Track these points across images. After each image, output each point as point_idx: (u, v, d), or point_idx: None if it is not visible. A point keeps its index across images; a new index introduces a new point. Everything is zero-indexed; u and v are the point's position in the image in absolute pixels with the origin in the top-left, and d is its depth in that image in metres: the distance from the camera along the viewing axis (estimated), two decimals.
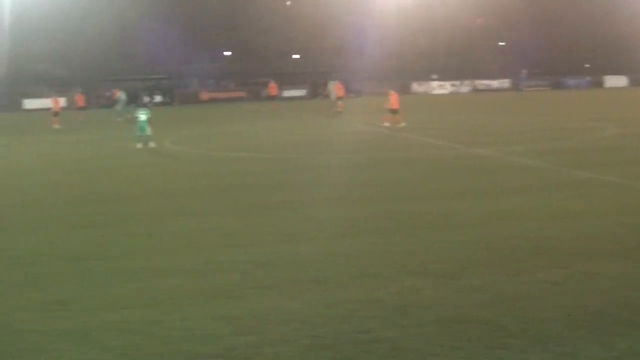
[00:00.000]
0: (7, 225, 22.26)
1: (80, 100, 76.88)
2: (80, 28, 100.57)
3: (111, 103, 75.51)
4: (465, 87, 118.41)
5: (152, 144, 42.67)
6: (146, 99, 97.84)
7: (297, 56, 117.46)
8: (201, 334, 12.48)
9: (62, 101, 75.90)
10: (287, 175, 30.86)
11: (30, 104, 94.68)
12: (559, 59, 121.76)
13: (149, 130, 43.12)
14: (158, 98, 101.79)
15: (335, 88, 75.65)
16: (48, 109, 67.33)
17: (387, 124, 51.25)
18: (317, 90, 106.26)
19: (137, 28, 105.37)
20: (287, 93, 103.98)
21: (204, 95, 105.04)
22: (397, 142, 42.04)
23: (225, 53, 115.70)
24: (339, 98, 71.83)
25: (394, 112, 52.31)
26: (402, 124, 51.13)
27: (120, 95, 76.37)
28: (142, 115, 43.26)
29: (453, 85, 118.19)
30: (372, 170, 31.53)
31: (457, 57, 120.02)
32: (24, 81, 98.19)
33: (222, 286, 15.09)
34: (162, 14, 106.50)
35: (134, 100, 78.48)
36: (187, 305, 13.99)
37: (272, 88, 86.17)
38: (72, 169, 35.41)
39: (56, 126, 59.54)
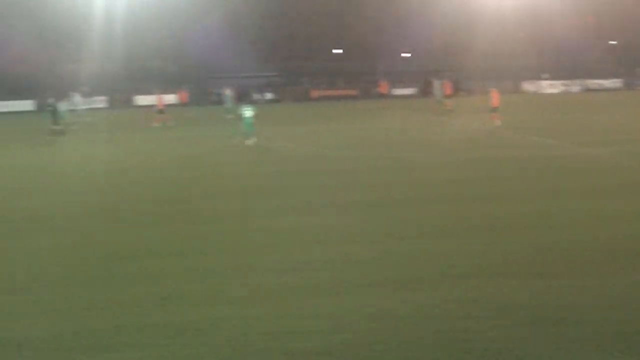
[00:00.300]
0: (121, 221, 22.75)
1: (184, 97, 77.84)
2: (192, 25, 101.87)
3: (221, 100, 76.31)
4: (576, 86, 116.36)
5: (254, 140, 43.04)
6: (257, 96, 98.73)
7: (408, 55, 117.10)
8: (298, 331, 12.59)
9: (168, 98, 76.90)
10: (393, 173, 30.80)
11: (142, 100, 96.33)
12: None
13: (248, 127, 43.61)
14: (268, 95, 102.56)
15: (443, 87, 75.22)
16: (152, 106, 68.51)
17: (498, 123, 50.81)
18: (425, 89, 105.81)
19: (249, 26, 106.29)
20: (397, 91, 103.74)
21: (315, 93, 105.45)
22: (504, 141, 41.64)
23: (336, 51, 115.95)
24: (448, 97, 71.41)
25: (494, 110, 52.26)
26: (498, 123, 50.79)
27: (227, 92, 77.08)
28: (248, 112, 43.78)
29: (564, 84, 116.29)
30: (477, 168, 31.33)
31: (568, 56, 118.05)
32: (136, 78, 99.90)
33: (318, 284, 15.22)
34: (273, 12, 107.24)
35: (243, 98, 79.34)
36: (284, 302, 14.14)
37: (383, 86, 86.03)
38: (182, 166, 35.90)
39: (156, 124, 60.12)
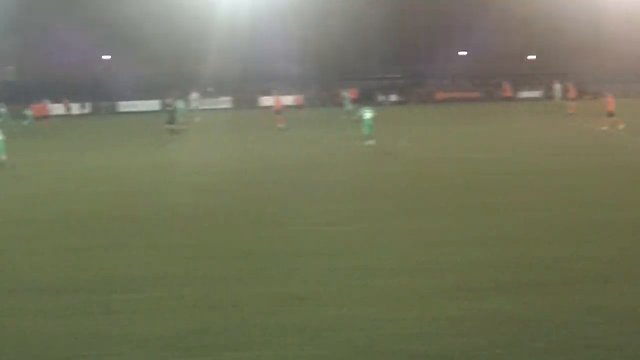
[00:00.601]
0: (243, 221, 23.16)
1: (299, 99, 78.01)
2: (318, 27, 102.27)
3: (346, 102, 76.48)
4: None
5: (373, 142, 43.08)
6: (381, 98, 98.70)
7: (533, 57, 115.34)
8: (420, 334, 12.83)
9: (286, 100, 77.16)
10: (515, 177, 30.55)
11: (266, 101, 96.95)
12: None
13: (367, 129, 43.70)
14: (393, 97, 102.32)
15: (565, 90, 73.93)
16: (271, 108, 68.82)
17: (621, 127, 49.79)
18: (549, 92, 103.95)
19: (374, 27, 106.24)
20: (523, 94, 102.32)
21: (440, 95, 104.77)
22: (623, 146, 40.75)
23: (461, 53, 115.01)
24: (572, 100, 70.10)
25: (610, 114, 51.28)
26: (605, 128, 49.83)
27: (345, 94, 77.23)
28: (368, 114, 43.96)
29: None
30: (591, 175, 30.85)
31: None
32: (261, 79, 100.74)
33: (440, 286, 15.39)
34: (398, 13, 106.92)
35: (367, 100, 79.38)
36: (410, 304, 14.36)
37: (507, 89, 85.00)
38: (300, 167, 36.05)
39: (281, 125, 60.42)
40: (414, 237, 20.03)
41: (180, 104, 59.64)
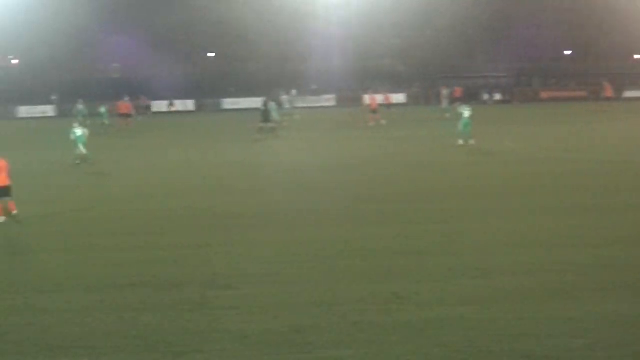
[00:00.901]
0: (355, 219, 23.18)
1: (387, 98, 77.57)
2: (423, 25, 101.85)
3: (452, 100, 75.89)
4: None
5: (471, 140, 42.76)
6: (485, 97, 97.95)
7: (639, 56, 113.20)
8: (535, 334, 12.68)
9: (388, 98, 76.78)
10: (618, 177, 30.05)
11: (368, 99, 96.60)
12: None
13: (463, 127, 43.36)
14: (497, 96, 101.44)
15: None
16: (366, 106, 68.68)
17: None
18: None
19: (479, 26, 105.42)
20: (628, 94, 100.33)
21: (545, 94, 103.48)
22: None
23: (566, 52, 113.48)
24: None
25: None
26: None
27: (444, 92, 76.73)
28: (466, 112, 43.64)
29: None
30: None
31: None
32: (367, 77, 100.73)
33: (558, 286, 15.20)
34: (503, 12, 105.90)
35: (473, 98, 78.73)
36: (522, 304, 14.22)
37: (607, 89, 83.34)
38: (398, 165, 35.99)
39: (372, 123, 60.17)
40: (525, 236, 19.85)
41: (273, 104, 60.05)
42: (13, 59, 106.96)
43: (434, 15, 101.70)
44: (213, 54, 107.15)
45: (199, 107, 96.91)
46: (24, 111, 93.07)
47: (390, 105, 75.01)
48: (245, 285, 16.12)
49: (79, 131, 41.08)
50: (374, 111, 62.41)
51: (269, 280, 16.37)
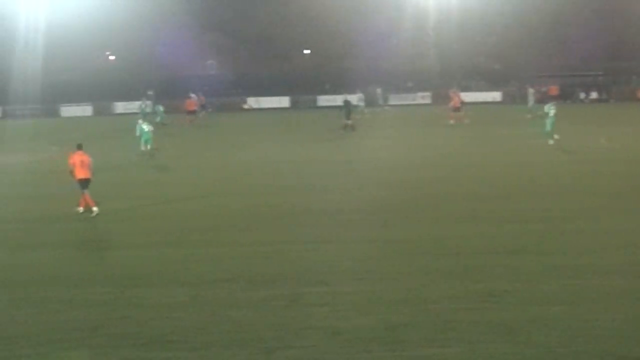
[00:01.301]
0: (448, 217, 23.09)
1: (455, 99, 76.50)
2: (518, 23, 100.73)
3: (543, 98, 74.74)
4: None
5: (556, 139, 42.10)
6: (581, 95, 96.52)
7: None
8: (631, 336, 12.49)
9: (463, 96, 75.86)
10: None
11: (466, 97, 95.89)
12: None
13: (550, 126, 42.74)
14: (594, 95, 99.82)
15: None
16: (449, 104, 68.21)
17: None
18: None
19: (575, 24, 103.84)
20: None
21: None
22: None
23: None
24: None
25: None
26: None
27: (531, 90, 75.68)
28: (552, 111, 43.07)
29: None
30: None
31: None
32: (459, 75, 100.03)
33: None
34: (601, 10, 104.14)
35: (568, 97, 77.51)
36: (618, 305, 14.00)
37: None
38: (484, 164, 35.64)
39: (452, 121, 59.42)
40: (623, 237, 19.50)
41: (354, 100, 60.04)
42: (110, 55, 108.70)
43: (529, 12, 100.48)
44: (309, 51, 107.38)
45: (294, 104, 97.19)
46: (120, 107, 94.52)
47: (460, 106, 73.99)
48: (338, 282, 16.16)
49: (144, 127, 41.82)
50: (457, 109, 61.80)
51: (361, 277, 16.37)
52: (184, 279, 16.88)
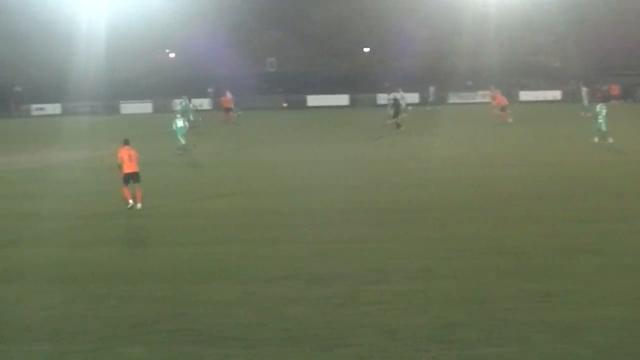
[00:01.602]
0: (506, 216, 22.96)
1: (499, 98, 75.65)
2: (581, 21, 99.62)
3: (603, 97, 73.82)
4: None
5: (611, 139, 41.55)
6: None
7: None
8: None
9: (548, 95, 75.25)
10: None
11: (525, 96, 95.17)
12: None
13: (605, 126, 42.20)
14: None
15: None
16: (490, 102, 67.57)
17: None
18: None
19: (635, 21, 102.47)
20: None
21: None
22: None
23: None
24: None
25: None
26: None
27: (584, 89, 74.86)
28: (604, 111, 42.59)
29: None
30: None
31: None
32: (518, 73, 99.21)
33: None
34: None
35: (629, 95, 76.53)
36: None
37: None
38: (540, 162, 35.35)
39: (510, 120, 58.85)
40: None
41: (403, 99, 60.08)
42: (170, 52, 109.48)
43: (590, 10, 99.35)
44: (368, 49, 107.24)
45: (353, 102, 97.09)
46: (179, 104, 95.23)
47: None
48: (396, 280, 16.16)
49: (179, 122, 42.19)
50: (504, 108, 61.23)
51: (419, 276, 16.37)
52: (239, 276, 16.99)
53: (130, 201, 25.64)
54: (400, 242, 19.72)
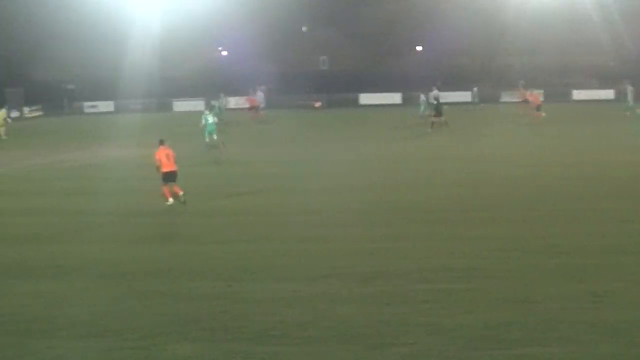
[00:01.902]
0: (547, 214, 22.84)
1: (532, 97, 74.79)
2: (634, 18, 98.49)
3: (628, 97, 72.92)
4: None
5: None
6: None
7: None
8: None
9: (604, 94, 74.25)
10: None
11: (577, 95, 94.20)
12: None
13: None
14: None
15: None
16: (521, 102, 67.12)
17: None
18: None
19: None
20: None
21: None
22: None
23: None
24: None
25: None
26: None
27: (629, 88, 73.99)
28: None
29: None
30: None
31: None
32: (572, 73, 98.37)
33: None
34: None
35: None
36: None
37: None
38: (577, 163, 34.73)
39: (530, 119, 58.36)
40: None
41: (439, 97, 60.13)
42: (222, 50, 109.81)
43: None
44: (420, 48, 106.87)
45: (405, 101, 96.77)
46: (232, 102, 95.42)
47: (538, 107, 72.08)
48: (441, 279, 16.15)
49: (209, 118, 42.31)
50: (538, 107, 60.64)
51: (465, 275, 16.33)
52: (285, 274, 17.08)
53: (170, 199, 25.91)
54: (446, 241, 19.71)
